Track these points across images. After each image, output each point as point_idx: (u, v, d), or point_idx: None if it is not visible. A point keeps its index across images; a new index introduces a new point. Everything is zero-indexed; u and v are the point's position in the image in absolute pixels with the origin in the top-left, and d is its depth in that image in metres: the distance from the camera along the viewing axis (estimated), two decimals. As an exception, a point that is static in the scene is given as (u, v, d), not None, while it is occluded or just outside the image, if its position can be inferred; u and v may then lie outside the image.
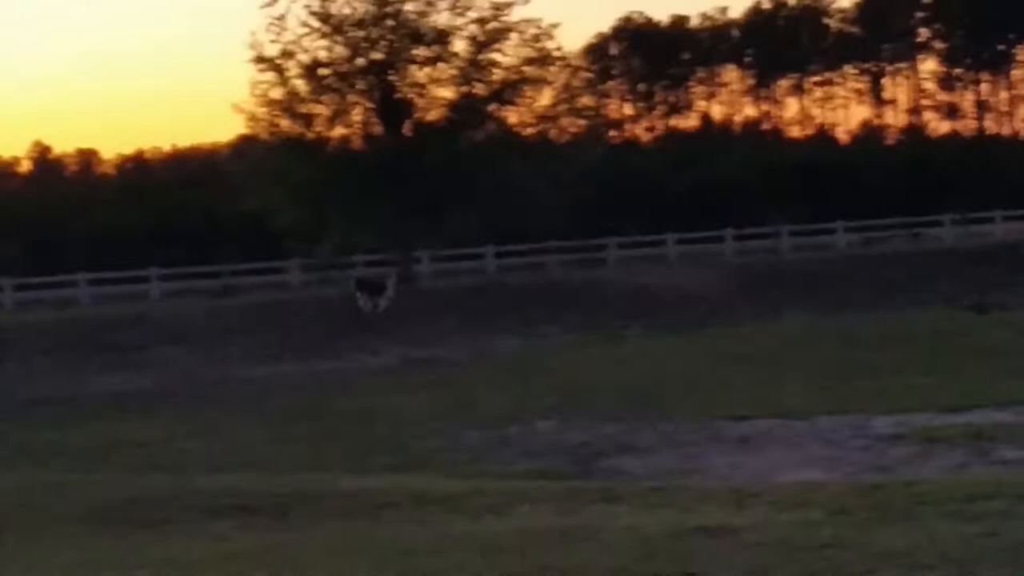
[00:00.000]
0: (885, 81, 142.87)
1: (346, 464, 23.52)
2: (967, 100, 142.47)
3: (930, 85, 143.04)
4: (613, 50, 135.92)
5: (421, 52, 74.02)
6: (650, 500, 13.91)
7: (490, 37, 74.18)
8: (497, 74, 74.90)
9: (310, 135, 74.24)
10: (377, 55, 73.48)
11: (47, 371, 50.35)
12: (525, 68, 75.14)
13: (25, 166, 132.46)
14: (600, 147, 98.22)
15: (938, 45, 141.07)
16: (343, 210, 71.57)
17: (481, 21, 73.78)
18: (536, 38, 74.60)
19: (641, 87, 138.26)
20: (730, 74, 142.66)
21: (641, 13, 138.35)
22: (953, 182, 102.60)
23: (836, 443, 25.94)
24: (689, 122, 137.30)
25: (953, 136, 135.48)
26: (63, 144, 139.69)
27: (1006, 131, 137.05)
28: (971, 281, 63.40)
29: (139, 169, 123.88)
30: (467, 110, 74.86)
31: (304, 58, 73.13)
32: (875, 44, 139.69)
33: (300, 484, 16.97)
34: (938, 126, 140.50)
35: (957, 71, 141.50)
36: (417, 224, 71.90)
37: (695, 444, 26.91)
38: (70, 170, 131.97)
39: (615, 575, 9.13)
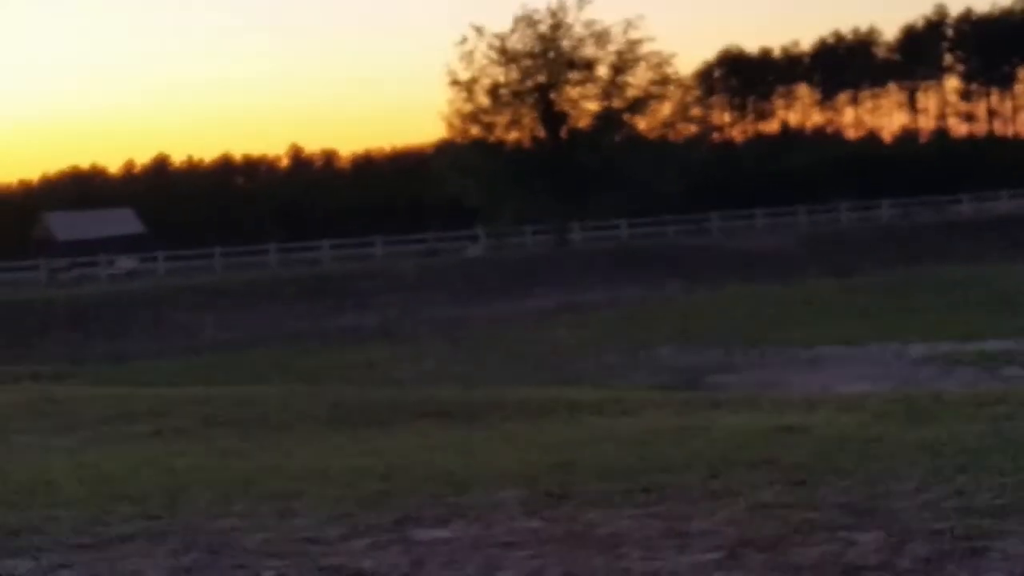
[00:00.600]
0: (919, 95, 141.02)
1: (518, 380, 23.52)
2: (981, 109, 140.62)
3: (953, 98, 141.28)
4: (716, 73, 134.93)
5: (574, 76, 74.15)
6: (743, 406, 13.84)
7: (625, 64, 74.16)
8: (630, 92, 74.91)
9: (492, 138, 74.55)
10: (541, 79, 73.66)
11: (302, 312, 50.72)
12: (651, 87, 75.06)
13: (284, 162, 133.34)
14: (706, 146, 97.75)
15: (959, 67, 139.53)
16: (517, 194, 71.75)
17: (619, 53, 73.87)
18: (659, 65, 74.64)
19: (736, 100, 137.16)
20: (802, 90, 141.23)
21: (737, 46, 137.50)
22: (970, 170, 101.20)
23: (880, 364, 25.73)
24: (772, 127, 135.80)
25: (970, 136, 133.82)
26: (311, 144, 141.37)
27: (1011, 132, 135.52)
28: (984, 243, 62.57)
29: (367, 163, 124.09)
30: (608, 119, 74.93)
31: (487, 81, 73.46)
32: (911, 67, 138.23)
33: (485, 395, 17.00)
34: (959, 129, 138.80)
35: (973, 87, 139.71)
36: (570, 204, 71.96)
37: (775, 365, 26.79)
38: (316, 165, 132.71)
39: (719, 460, 9.09)
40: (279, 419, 14.97)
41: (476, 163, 72.48)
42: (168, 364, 35.47)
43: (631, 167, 72.47)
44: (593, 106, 75.90)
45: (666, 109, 77.98)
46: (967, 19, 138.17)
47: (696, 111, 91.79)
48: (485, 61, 73.61)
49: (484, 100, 74.02)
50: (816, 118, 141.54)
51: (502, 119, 74.48)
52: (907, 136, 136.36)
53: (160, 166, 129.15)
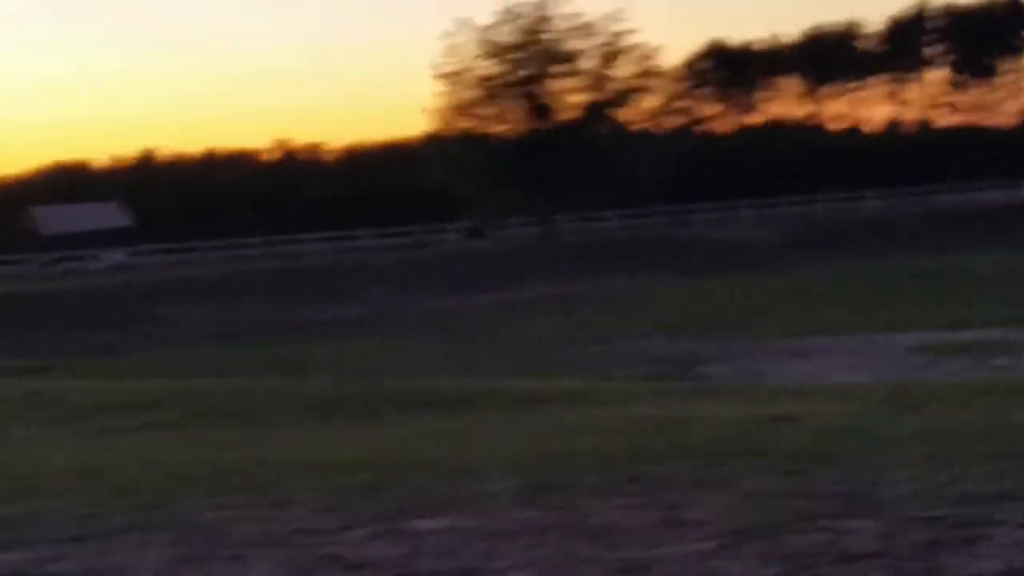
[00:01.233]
0: (902, 87, 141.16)
1: (506, 370, 23.51)
2: (964, 100, 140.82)
3: (935, 90, 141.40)
4: (701, 65, 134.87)
5: (558, 69, 74.16)
6: (732, 396, 13.85)
7: (609, 57, 74.16)
8: (615, 84, 74.89)
9: (478, 131, 74.56)
10: (526, 72, 73.64)
11: (288, 304, 50.71)
12: (635, 80, 75.11)
13: (270, 156, 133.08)
14: (690, 138, 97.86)
15: (942, 60, 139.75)
16: (503, 186, 71.81)
17: (603, 45, 73.85)
18: (643, 57, 74.68)
19: (721, 92, 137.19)
20: (786, 82, 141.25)
21: (722, 39, 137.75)
22: (953, 161, 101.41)
23: (867, 354, 25.74)
24: (756, 119, 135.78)
25: (953, 128, 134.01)
26: (297, 138, 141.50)
27: (992, 123, 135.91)
28: (968, 233, 62.64)
29: (353, 157, 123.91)
30: (593, 111, 74.95)
31: (473, 75, 73.46)
32: (895, 59, 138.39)
33: (474, 385, 16.99)
34: (942, 120, 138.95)
35: (956, 78, 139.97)
36: (556, 196, 72.04)
37: (760, 356, 26.80)
38: (302, 159, 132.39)
39: (711, 449, 9.08)
40: (269, 411, 14.95)
41: (463, 155, 72.51)
42: (155, 357, 35.46)
43: (616, 159, 72.54)
44: (578, 99, 75.94)
45: (651, 101, 78.11)
46: (950, 11, 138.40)
47: (681, 103, 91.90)
48: (471, 54, 73.65)
49: (470, 93, 74.05)
50: (800, 110, 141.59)
51: (488, 112, 74.53)
52: (890, 127, 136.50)
53: (146, 160, 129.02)
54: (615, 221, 78.51)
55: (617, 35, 74.11)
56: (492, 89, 74.31)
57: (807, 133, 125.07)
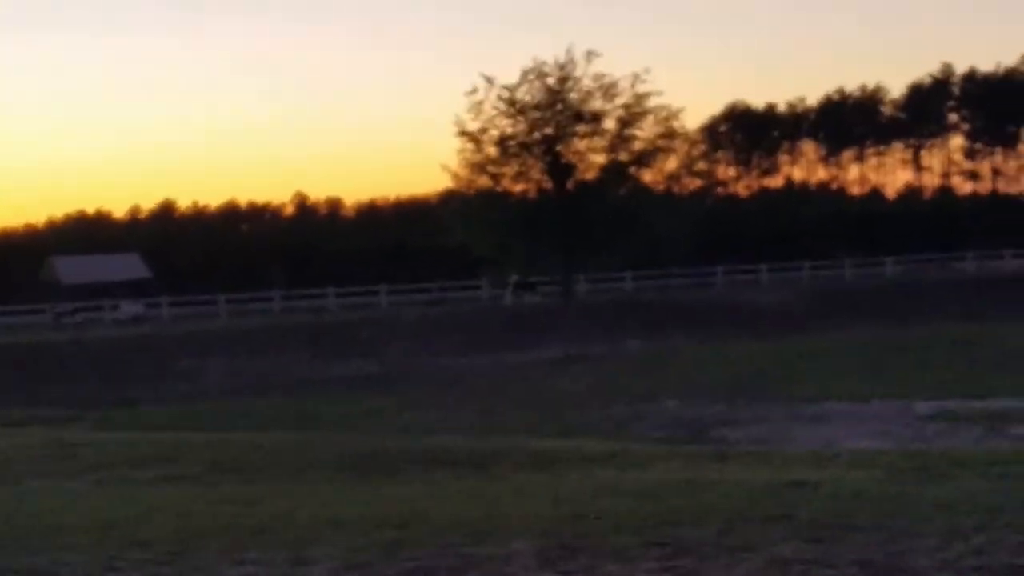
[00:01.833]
0: (923, 153, 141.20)
1: (524, 430, 23.42)
2: (985, 168, 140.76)
3: (957, 156, 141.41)
4: (722, 128, 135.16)
5: (581, 128, 74.24)
6: (751, 461, 13.79)
7: (632, 118, 74.22)
8: (637, 145, 74.96)
9: (499, 189, 74.60)
10: (549, 130, 73.75)
11: (307, 360, 50.64)
12: (658, 141, 75.15)
13: (289, 209, 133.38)
14: (711, 200, 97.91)
15: (964, 126, 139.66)
16: (522, 244, 71.82)
17: (626, 106, 73.91)
18: (666, 119, 74.60)
19: (742, 155, 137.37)
20: (807, 146, 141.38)
21: (743, 101, 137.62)
22: (974, 228, 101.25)
23: (886, 420, 25.55)
24: (777, 182, 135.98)
25: (974, 195, 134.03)
26: (316, 192, 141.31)
27: (1014, 190, 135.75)
28: (988, 301, 62.46)
29: (372, 212, 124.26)
30: (614, 171, 74.96)
31: (495, 132, 73.58)
32: (916, 125, 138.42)
33: (494, 444, 16.93)
34: (963, 187, 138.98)
35: (978, 146, 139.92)
36: (576, 255, 72.07)
37: (779, 420, 26.62)
38: (321, 213, 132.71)
39: (732, 514, 9.04)
40: (289, 466, 14.93)
41: (483, 213, 72.55)
42: (174, 410, 35.42)
43: (637, 220, 72.57)
44: (600, 158, 75.98)
45: (672, 163, 78.15)
46: (972, 78, 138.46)
47: (702, 165, 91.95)
48: (494, 112, 73.77)
49: (492, 151, 74.17)
50: (821, 174, 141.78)
51: (509, 170, 74.56)
52: (911, 193, 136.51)
53: (166, 212, 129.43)
54: (634, 282, 78.44)
55: (640, 96, 74.24)
56: (514, 147, 74.43)
57: (827, 197, 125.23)
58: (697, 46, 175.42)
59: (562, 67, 73.49)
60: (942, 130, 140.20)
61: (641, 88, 73.76)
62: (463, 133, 73.41)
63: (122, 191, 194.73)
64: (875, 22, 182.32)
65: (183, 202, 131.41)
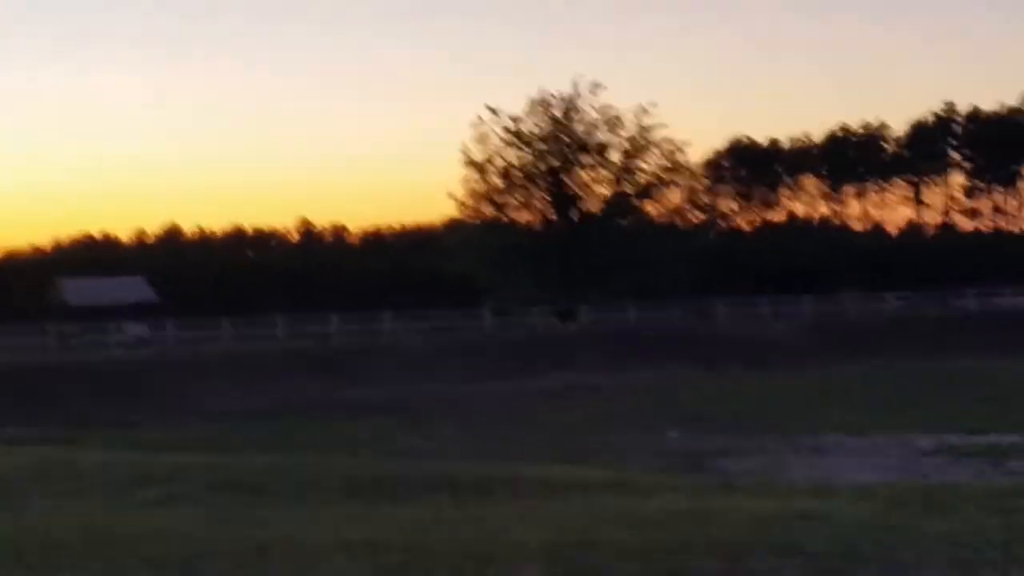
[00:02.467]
0: (924, 190, 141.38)
1: (526, 457, 23.33)
2: (986, 205, 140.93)
3: (958, 194, 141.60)
4: (725, 162, 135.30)
5: (586, 160, 74.38)
6: (756, 491, 13.73)
7: (637, 150, 74.36)
8: (642, 177, 75.11)
9: (503, 219, 74.72)
10: (554, 162, 73.92)
11: (310, 385, 50.50)
12: (662, 173, 75.29)
13: (293, 235, 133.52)
14: (713, 233, 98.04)
15: (965, 164, 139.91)
16: (526, 274, 71.90)
17: (631, 138, 74.10)
18: (671, 152, 74.76)
19: (744, 189, 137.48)
20: (809, 181, 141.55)
21: (747, 136, 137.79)
22: (975, 265, 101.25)
23: (885, 454, 25.56)
24: (779, 216, 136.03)
25: (975, 232, 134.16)
26: (320, 219, 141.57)
27: (1015, 228, 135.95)
28: (988, 338, 62.37)
29: (377, 239, 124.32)
30: (618, 203, 75.11)
31: (500, 163, 73.74)
32: (918, 162, 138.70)
33: (497, 471, 16.84)
34: (964, 224, 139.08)
35: (979, 183, 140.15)
36: (579, 285, 72.07)
37: (780, 452, 26.62)
38: (326, 239, 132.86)
39: (738, 544, 8.98)
40: (293, 489, 14.86)
41: (486, 242, 72.63)
42: (177, 432, 35.36)
43: (640, 252, 72.66)
44: (604, 190, 76.10)
45: (676, 196, 78.25)
46: (974, 117, 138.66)
47: (704, 199, 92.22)
48: (499, 143, 73.92)
49: (497, 181, 74.28)
50: (823, 209, 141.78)
51: (514, 200, 74.71)
52: (913, 230, 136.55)
53: (171, 236, 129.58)
54: (637, 313, 78.29)
55: (645, 129, 74.39)
56: (518, 178, 74.54)
57: (828, 232, 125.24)
58: (700, 80, 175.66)
59: (567, 99, 73.64)
60: (943, 168, 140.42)
61: (646, 121, 73.94)
62: (469, 163, 73.65)
63: (127, 213, 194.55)
64: (878, 60, 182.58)
65: (187, 226, 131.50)
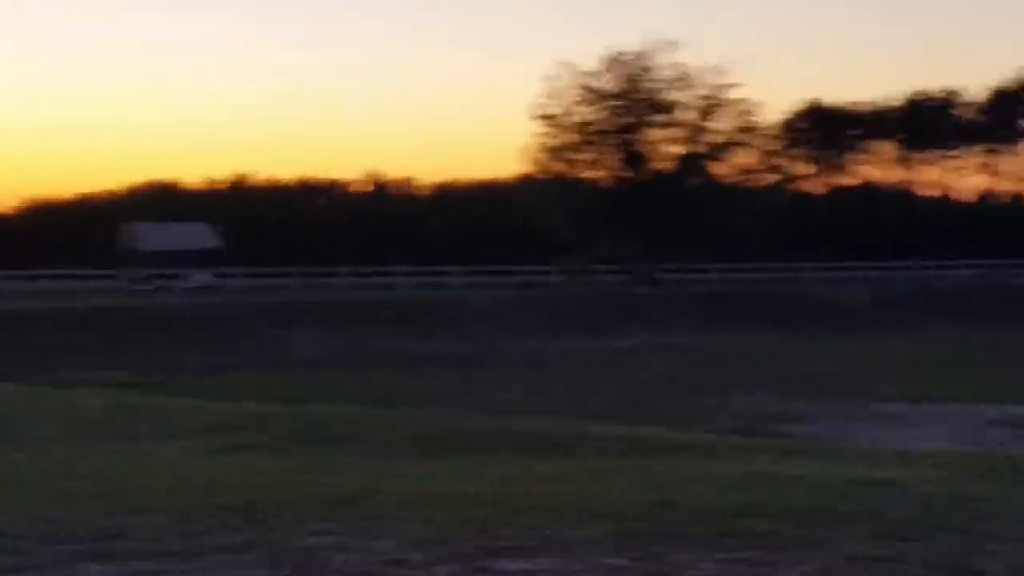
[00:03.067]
0: (998, 157, 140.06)
1: (604, 416, 23.38)
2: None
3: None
4: (799, 125, 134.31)
5: (658, 118, 74.06)
6: (829, 456, 13.72)
7: (709, 110, 73.99)
8: (713, 137, 74.73)
9: (573, 175, 74.63)
10: (627, 119, 73.62)
11: (391, 336, 50.64)
12: (734, 134, 74.90)
13: (362, 186, 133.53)
14: (785, 196, 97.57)
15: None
16: (604, 232, 71.87)
17: (703, 98, 73.68)
18: (743, 113, 74.38)
19: (818, 153, 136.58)
20: (884, 147, 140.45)
21: (820, 99, 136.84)
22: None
23: (952, 423, 25.56)
24: (852, 181, 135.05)
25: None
26: (391, 171, 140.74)
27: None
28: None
29: (447, 193, 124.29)
30: (689, 163, 74.80)
31: (573, 119, 73.55)
32: (994, 129, 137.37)
33: (575, 429, 16.88)
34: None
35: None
36: (652, 244, 71.96)
37: (849, 418, 26.69)
38: (395, 192, 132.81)
39: (813, 509, 8.98)
40: (373, 440, 15.00)
41: (558, 199, 72.59)
42: (257, 379, 35.70)
43: (708, 212, 72.46)
44: (675, 150, 75.84)
45: (746, 157, 77.88)
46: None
47: (775, 161, 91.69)
48: (571, 99, 73.74)
49: (568, 137, 74.15)
50: (897, 175, 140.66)
51: (584, 157, 74.59)
52: (987, 198, 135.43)
53: (239, 184, 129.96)
54: (715, 273, 77.85)
55: (718, 88, 74.04)
56: (589, 135, 74.38)
57: (902, 198, 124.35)
58: (779, 41, 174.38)
59: (642, 56, 73.27)
60: (1018, 135, 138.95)
61: (719, 81, 73.53)
62: (543, 117, 73.43)
63: (196, 161, 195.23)
64: (961, 22, 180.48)
65: (255, 174, 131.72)
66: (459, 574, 6.96)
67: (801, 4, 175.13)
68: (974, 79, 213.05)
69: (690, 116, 75.01)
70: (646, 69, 73.75)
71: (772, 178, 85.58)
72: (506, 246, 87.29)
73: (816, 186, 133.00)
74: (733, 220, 71.91)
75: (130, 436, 15.45)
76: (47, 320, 48.05)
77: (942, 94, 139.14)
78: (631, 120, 74.26)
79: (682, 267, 75.65)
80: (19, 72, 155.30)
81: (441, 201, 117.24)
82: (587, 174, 75.62)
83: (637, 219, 71.76)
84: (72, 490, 10.23)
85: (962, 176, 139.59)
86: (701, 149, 75.82)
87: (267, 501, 9.34)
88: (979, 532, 8.28)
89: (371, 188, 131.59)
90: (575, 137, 74.21)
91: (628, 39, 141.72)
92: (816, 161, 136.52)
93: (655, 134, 75.32)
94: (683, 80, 74.04)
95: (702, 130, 75.38)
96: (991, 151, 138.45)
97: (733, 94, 74.36)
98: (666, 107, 74.76)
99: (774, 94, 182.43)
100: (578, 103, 73.97)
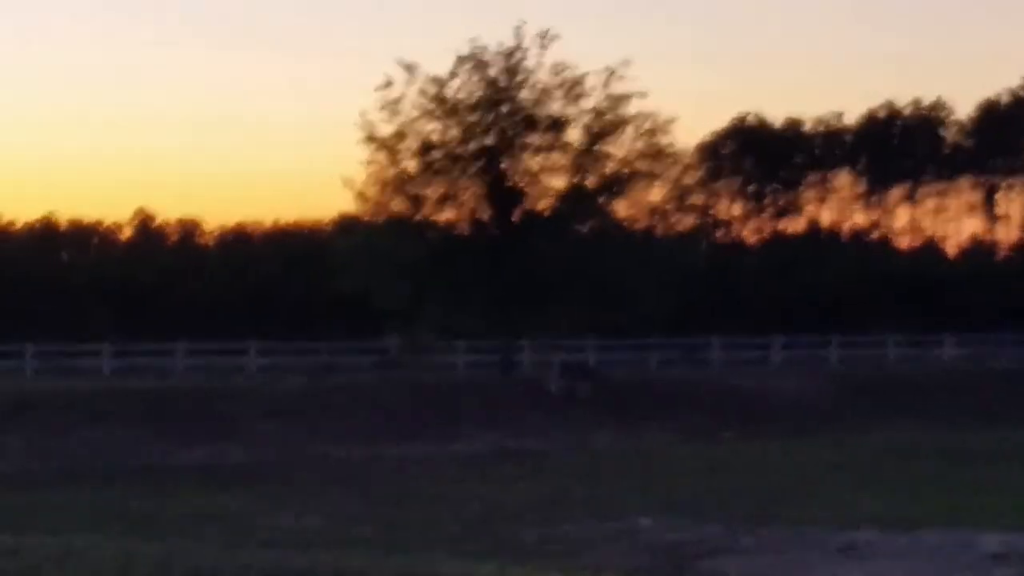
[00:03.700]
0: (999, 195, 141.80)
1: (443, 548, 23.32)
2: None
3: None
4: (726, 149, 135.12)
5: (535, 139, 73.82)
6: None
7: (605, 128, 73.97)
8: (609, 166, 74.75)
9: (417, 217, 74.24)
10: (490, 140, 73.31)
11: (145, 440, 50.46)
12: (637, 162, 74.94)
13: (127, 232, 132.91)
14: (706, 246, 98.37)
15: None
16: (446, 292, 71.59)
17: (597, 112, 73.61)
18: (651, 132, 74.33)
19: (751, 188, 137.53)
20: (842, 179, 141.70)
21: (756, 114, 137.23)
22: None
23: (939, 557, 25.63)
24: (797, 225, 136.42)
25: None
26: (165, 211, 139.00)
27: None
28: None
29: (240, 241, 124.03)
30: (576, 201, 74.64)
31: (416, 140, 73.14)
32: (988, 155, 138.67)
33: (399, 568, 16.79)
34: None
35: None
36: (519, 313, 71.79)
37: (795, 551, 26.71)
38: (171, 239, 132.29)
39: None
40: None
41: (394, 248, 72.18)
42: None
43: (604, 268, 72.54)
44: (558, 182, 75.87)
45: (655, 193, 78.11)
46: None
47: (696, 198, 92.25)
48: (415, 112, 73.50)
49: (411, 164, 73.88)
50: (858, 218, 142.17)
51: (433, 191, 74.33)
52: (981, 249, 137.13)
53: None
54: (598, 354, 78.35)
55: (615, 99, 74.16)
56: (441, 161, 74.20)
57: (865, 249, 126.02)
58: (696, 39, 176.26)
59: (509, 55, 73.08)
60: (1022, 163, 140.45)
61: (618, 88, 73.63)
62: (372, 139, 73.04)
63: None
64: (938, 29, 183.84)
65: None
66: None
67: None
68: (956, 91, 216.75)
69: (577, 137, 75.13)
70: (515, 72, 73.80)
71: (689, 222, 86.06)
72: (319, 314, 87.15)
73: (748, 232, 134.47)
74: (634, 279, 72.04)
75: None
76: None
77: (915, 109, 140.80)
78: (496, 141, 74.18)
79: (553, 345, 75.84)
80: None
81: (232, 252, 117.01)
82: (436, 215, 75.41)
83: (502, 278, 71.62)
84: None
85: (948, 219, 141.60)
86: (592, 182, 75.89)
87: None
88: None
89: (136, 234, 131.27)
90: (419, 164, 73.98)
91: (492, 32, 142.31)
92: (748, 198, 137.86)
93: (529, 161, 75.21)
94: (568, 87, 74.16)
95: (593, 156, 75.46)
96: (986, 184, 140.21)
97: (636, 107, 74.63)
98: (544, 124, 74.79)
99: (692, 107, 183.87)
100: (423, 119, 73.82)
